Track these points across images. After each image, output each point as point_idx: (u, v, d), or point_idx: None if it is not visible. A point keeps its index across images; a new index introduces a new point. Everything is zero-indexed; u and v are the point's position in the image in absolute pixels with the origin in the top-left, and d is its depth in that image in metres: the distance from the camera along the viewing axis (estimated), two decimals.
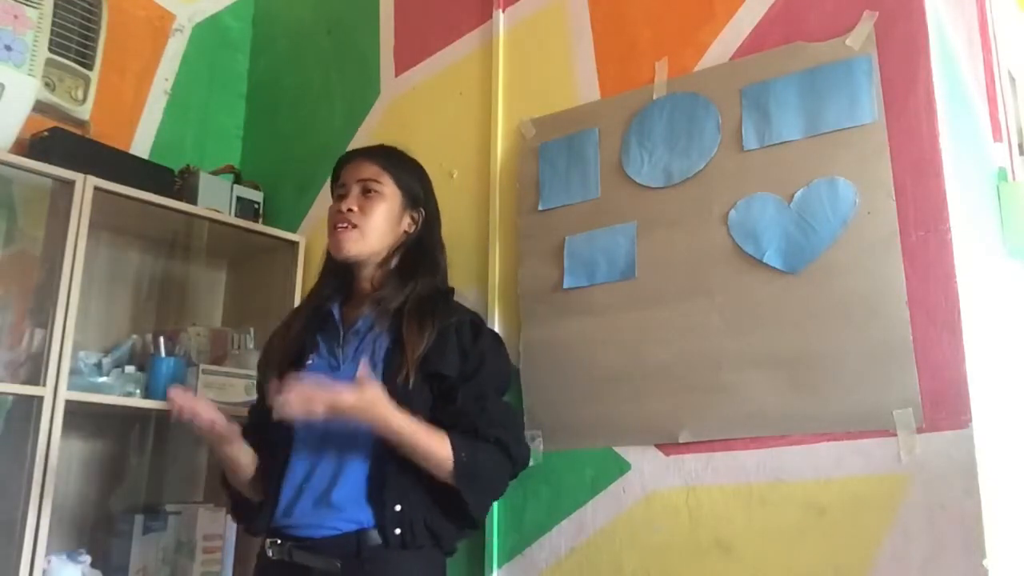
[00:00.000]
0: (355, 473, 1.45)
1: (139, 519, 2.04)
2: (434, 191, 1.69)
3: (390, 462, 1.44)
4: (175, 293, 2.37)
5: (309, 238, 2.35)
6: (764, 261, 1.54)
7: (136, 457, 2.20)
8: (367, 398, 1.38)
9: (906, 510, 1.32)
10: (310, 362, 1.55)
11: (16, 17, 2.02)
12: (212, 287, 2.45)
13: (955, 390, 1.32)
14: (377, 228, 1.57)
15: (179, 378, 2.05)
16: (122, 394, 1.97)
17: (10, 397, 1.86)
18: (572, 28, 1.92)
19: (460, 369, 1.50)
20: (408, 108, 2.20)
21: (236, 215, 2.32)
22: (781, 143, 1.56)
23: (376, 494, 1.43)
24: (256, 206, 2.40)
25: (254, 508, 1.55)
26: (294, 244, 2.32)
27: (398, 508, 1.42)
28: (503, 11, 2.04)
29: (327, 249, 1.63)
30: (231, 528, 2.12)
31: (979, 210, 1.56)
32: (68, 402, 1.81)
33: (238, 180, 2.44)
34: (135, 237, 2.29)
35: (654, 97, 1.74)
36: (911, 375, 1.36)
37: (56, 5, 2.14)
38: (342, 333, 1.56)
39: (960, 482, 1.29)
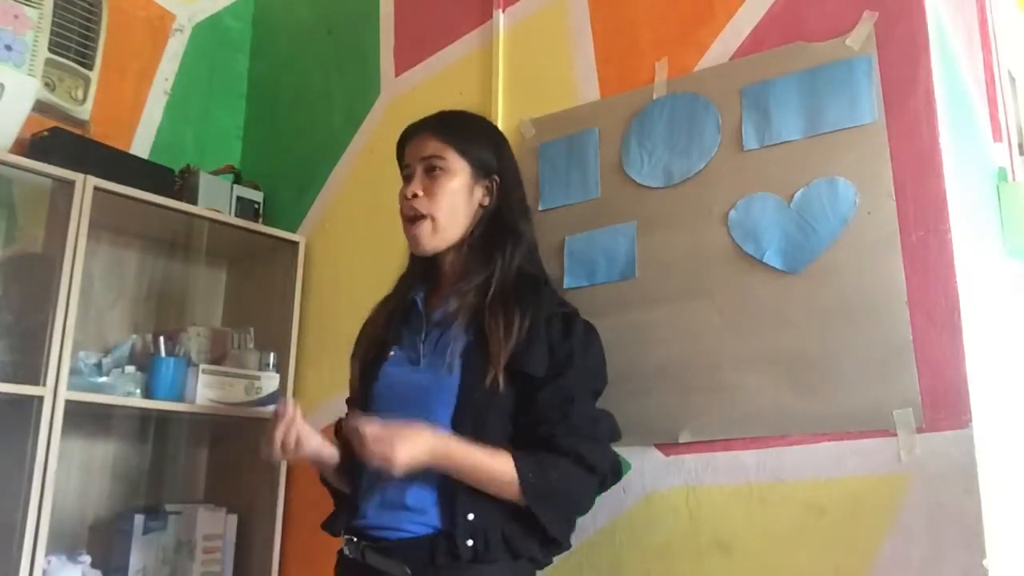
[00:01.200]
0: (430, 474, 1.34)
1: (139, 519, 2.03)
2: (510, 148, 1.58)
3: None
4: (175, 293, 2.37)
5: (309, 238, 2.35)
6: (764, 261, 1.54)
7: (136, 457, 2.20)
8: (408, 447, 1.28)
9: (906, 510, 1.32)
10: (392, 354, 1.48)
11: (16, 17, 2.03)
12: (212, 287, 2.45)
13: (955, 390, 1.32)
14: (448, 211, 1.46)
15: (179, 378, 2.05)
16: (122, 394, 1.97)
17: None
18: (572, 28, 1.92)
19: (548, 367, 1.38)
20: (408, 108, 2.19)
21: (236, 215, 2.32)
22: (781, 143, 1.56)
23: (448, 501, 1.33)
24: (256, 206, 2.40)
25: (337, 506, 1.51)
26: (294, 244, 2.32)
27: (471, 517, 1.32)
28: (503, 11, 2.04)
29: None
30: (231, 528, 2.13)
31: (979, 210, 1.56)
32: (68, 402, 1.81)
33: (238, 180, 2.44)
34: (135, 237, 2.29)
35: (654, 97, 1.74)
36: (911, 375, 1.36)
37: (56, 5, 2.14)
38: (425, 325, 1.47)
39: (960, 482, 1.29)
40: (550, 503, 1.33)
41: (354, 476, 1.45)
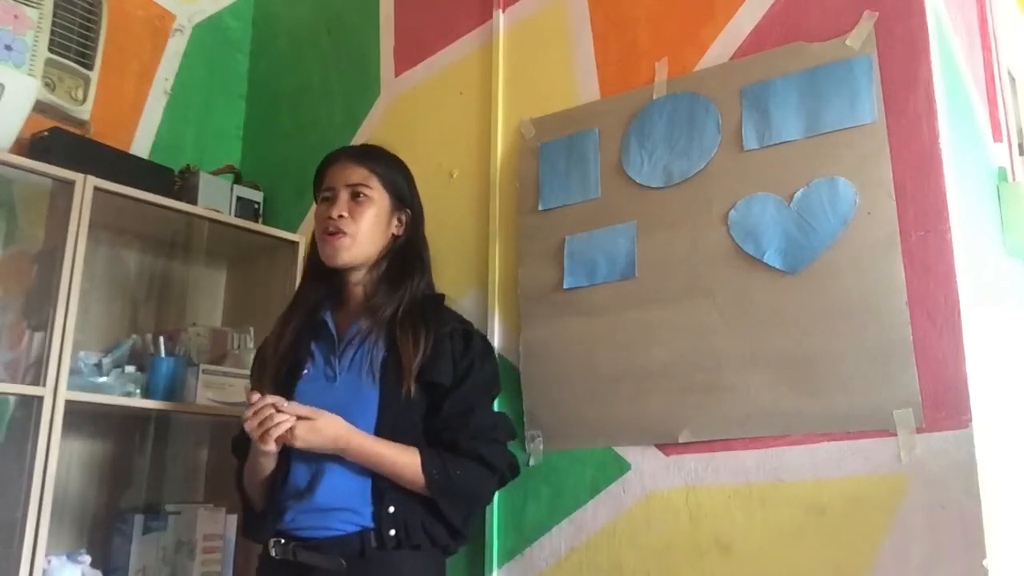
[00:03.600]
0: (356, 477, 1.46)
1: (139, 519, 2.03)
2: (416, 186, 1.67)
3: None
4: (175, 293, 2.36)
5: (309, 238, 2.33)
6: (764, 261, 1.54)
7: (136, 457, 2.20)
8: (315, 427, 1.41)
9: (906, 510, 1.33)
10: (306, 371, 1.55)
11: (16, 17, 2.02)
12: (212, 287, 2.45)
13: (955, 390, 1.32)
14: (368, 235, 1.56)
15: (179, 378, 2.05)
16: (122, 394, 1.97)
17: (12, 398, 1.86)
18: (572, 28, 1.92)
19: (453, 378, 1.51)
20: (408, 108, 2.20)
21: (236, 215, 2.32)
22: (781, 143, 1.56)
23: (376, 496, 1.45)
24: (256, 206, 2.40)
25: (258, 517, 1.55)
26: (294, 244, 2.32)
27: (392, 510, 1.44)
28: (503, 11, 2.04)
29: (309, 254, 1.65)
30: (231, 528, 2.12)
31: (979, 210, 1.56)
32: (68, 402, 1.81)
33: (238, 180, 2.44)
34: (135, 237, 2.29)
35: (654, 97, 1.74)
36: (911, 375, 1.36)
37: (56, 5, 2.14)
38: (337, 342, 1.55)
39: (960, 482, 1.29)
40: (452, 497, 1.46)
41: (275, 484, 1.51)
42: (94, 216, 1.92)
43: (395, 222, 1.62)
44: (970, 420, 1.30)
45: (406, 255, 1.61)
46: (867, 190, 1.46)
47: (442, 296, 1.63)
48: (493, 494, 1.57)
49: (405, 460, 1.44)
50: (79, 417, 2.00)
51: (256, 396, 1.44)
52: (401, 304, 1.54)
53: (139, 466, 2.20)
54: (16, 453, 1.78)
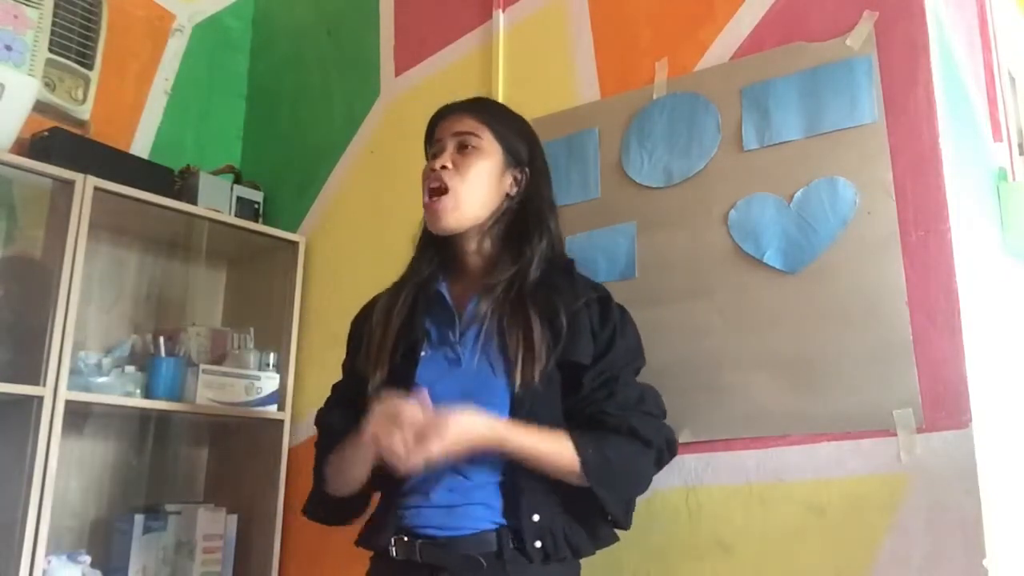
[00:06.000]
0: (488, 479, 1.30)
1: (139, 519, 2.03)
2: (543, 150, 1.51)
3: (522, 467, 1.29)
4: (175, 293, 2.37)
5: (309, 238, 2.35)
6: (764, 261, 1.54)
7: (136, 457, 2.20)
8: (460, 432, 1.22)
9: (906, 510, 1.32)
10: (424, 354, 1.36)
11: (16, 17, 2.03)
12: (212, 287, 2.45)
13: (955, 390, 1.32)
14: (475, 188, 1.39)
15: (179, 378, 2.05)
16: (122, 394, 1.97)
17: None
18: (572, 28, 1.92)
19: (594, 352, 1.35)
20: (408, 108, 2.20)
21: (236, 215, 2.32)
22: (781, 143, 1.56)
23: (512, 504, 1.29)
24: (256, 206, 2.40)
25: (352, 507, 1.42)
26: (294, 244, 2.32)
27: (536, 518, 1.28)
28: (503, 11, 2.04)
29: (423, 221, 1.46)
30: (231, 528, 2.13)
31: (979, 210, 1.56)
32: (68, 402, 1.82)
33: (238, 180, 2.44)
34: (135, 237, 2.29)
35: (654, 97, 1.74)
36: (911, 375, 1.36)
37: (56, 5, 2.14)
38: (457, 320, 1.37)
39: (960, 482, 1.29)
40: (610, 482, 1.30)
41: (394, 480, 1.33)
42: (94, 216, 1.92)
43: (509, 180, 1.43)
44: (970, 420, 1.30)
45: (526, 216, 1.42)
46: (867, 190, 1.46)
47: (572, 262, 1.46)
48: (651, 476, 1.39)
49: (558, 449, 1.28)
50: (79, 417, 2.00)
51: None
52: (523, 274, 1.37)
53: (139, 466, 2.20)
54: (16, 453, 1.78)
